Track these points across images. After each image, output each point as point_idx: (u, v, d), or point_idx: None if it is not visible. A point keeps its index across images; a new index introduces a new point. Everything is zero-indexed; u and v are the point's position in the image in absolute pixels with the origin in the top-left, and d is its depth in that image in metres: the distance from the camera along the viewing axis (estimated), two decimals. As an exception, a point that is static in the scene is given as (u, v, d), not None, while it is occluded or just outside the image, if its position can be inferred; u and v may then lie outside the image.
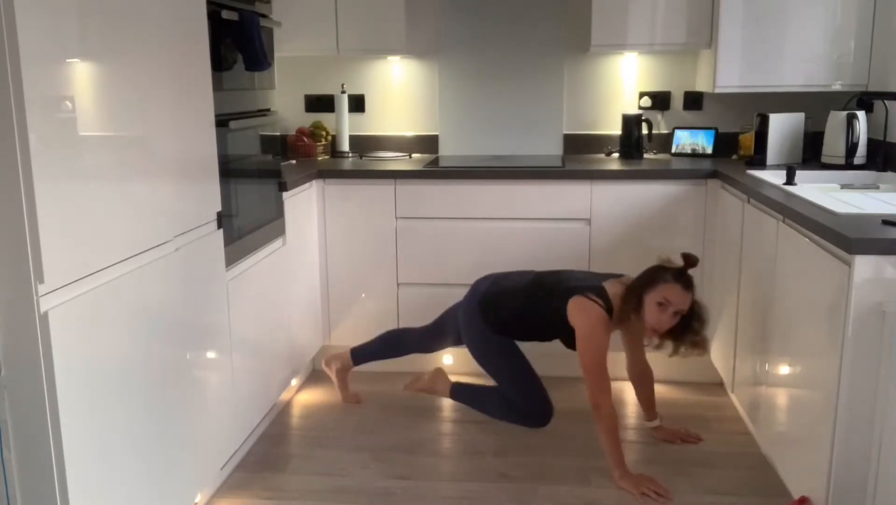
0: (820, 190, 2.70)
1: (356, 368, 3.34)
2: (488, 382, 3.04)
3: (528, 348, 3.13)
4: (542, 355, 3.54)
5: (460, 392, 3.12)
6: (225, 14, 2.52)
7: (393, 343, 3.30)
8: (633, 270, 2.83)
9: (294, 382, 3.45)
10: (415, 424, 3.13)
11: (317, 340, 3.58)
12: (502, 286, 2.93)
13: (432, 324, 3.21)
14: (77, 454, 1.75)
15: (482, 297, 2.92)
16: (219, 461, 2.58)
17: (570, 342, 2.80)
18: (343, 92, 3.92)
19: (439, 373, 3.19)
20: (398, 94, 4.01)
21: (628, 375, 3.01)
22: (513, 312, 2.86)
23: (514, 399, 2.94)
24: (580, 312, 2.70)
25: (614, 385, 2.85)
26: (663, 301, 2.63)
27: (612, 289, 2.73)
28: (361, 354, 3.30)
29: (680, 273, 2.66)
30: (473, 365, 3.05)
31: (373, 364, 3.35)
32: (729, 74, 3.41)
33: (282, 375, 3.16)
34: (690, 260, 2.67)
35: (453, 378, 3.17)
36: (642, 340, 2.92)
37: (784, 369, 2.43)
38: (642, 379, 2.99)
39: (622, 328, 2.85)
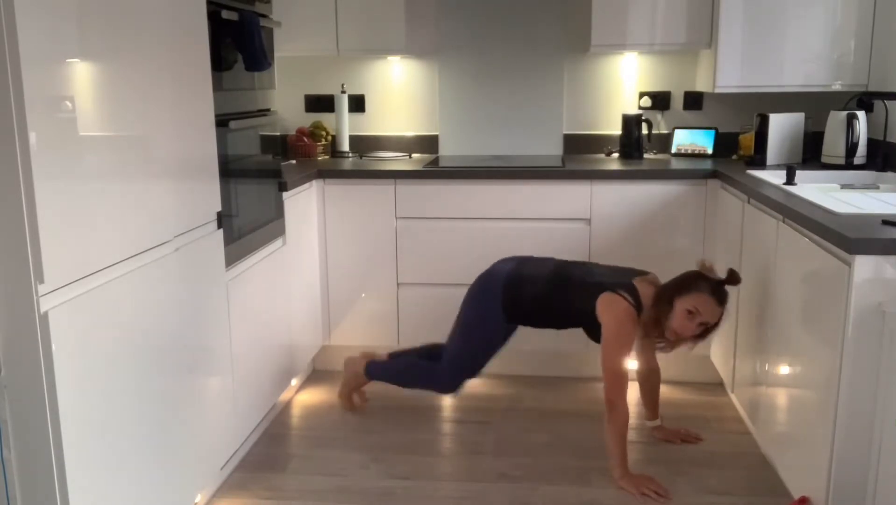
0: (820, 190, 2.70)
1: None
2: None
3: (530, 347, 3.13)
4: (544, 355, 3.55)
5: (374, 370, 3.13)
6: (225, 14, 2.52)
7: (409, 374, 3.15)
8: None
9: (294, 382, 3.45)
10: (415, 424, 3.13)
11: (317, 340, 3.57)
12: (525, 272, 2.86)
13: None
14: (77, 454, 1.75)
15: (506, 280, 2.85)
16: (219, 461, 2.58)
17: (593, 334, 2.77)
18: (343, 92, 3.92)
19: (350, 360, 3.20)
20: (398, 94, 4.01)
21: (637, 374, 3.01)
22: (533, 300, 2.81)
23: (446, 364, 2.94)
24: (611, 308, 2.66)
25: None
26: (693, 310, 2.59)
27: (643, 287, 2.70)
28: (374, 371, 3.18)
29: (718, 286, 2.63)
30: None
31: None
32: (729, 74, 3.41)
33: (282, 375, 3.15)
34: (733, 278, 2.62)
35: None
36: (655, 340, 2.91)
37: (784, 369, 2.43)
38: (650, 378, 2.98)
39: (645, 329, 2.82)
